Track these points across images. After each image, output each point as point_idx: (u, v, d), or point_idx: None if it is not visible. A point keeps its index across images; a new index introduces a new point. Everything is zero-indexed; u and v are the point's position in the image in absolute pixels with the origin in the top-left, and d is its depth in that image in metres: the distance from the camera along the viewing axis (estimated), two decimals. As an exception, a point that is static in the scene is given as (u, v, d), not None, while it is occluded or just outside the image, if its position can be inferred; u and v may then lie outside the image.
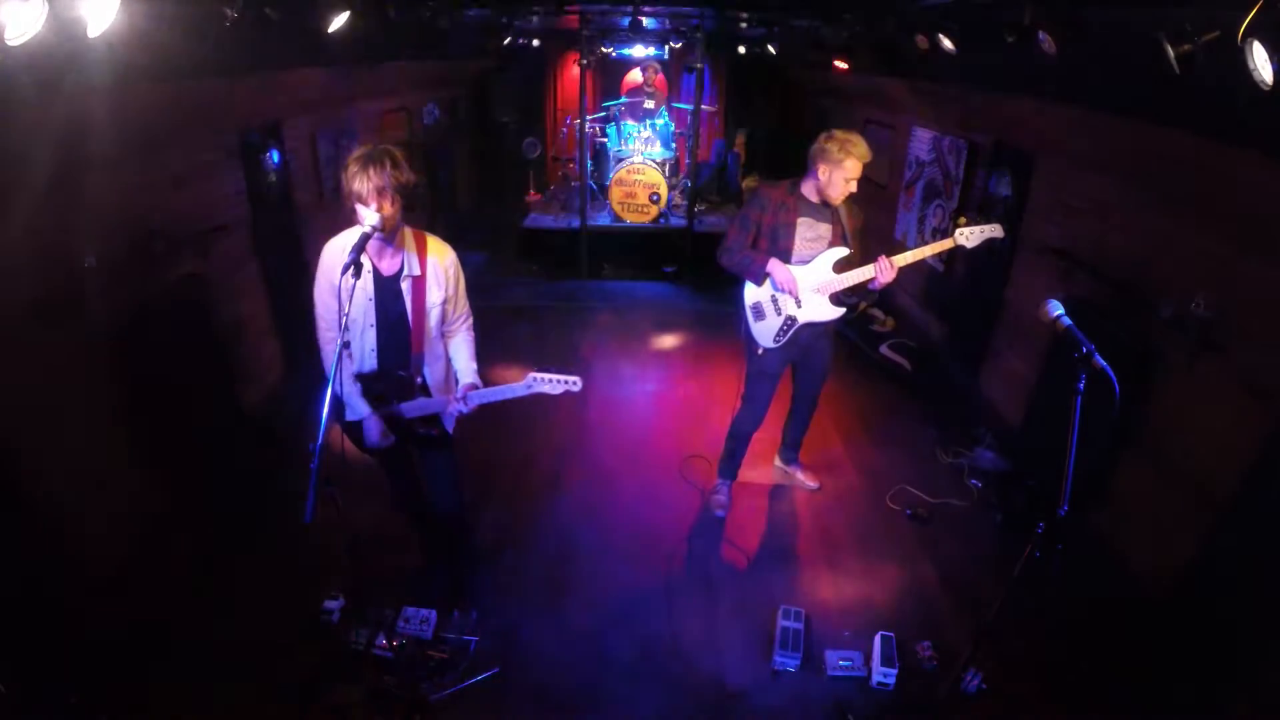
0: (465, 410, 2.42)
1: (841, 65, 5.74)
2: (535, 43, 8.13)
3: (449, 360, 2.56)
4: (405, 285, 2.32)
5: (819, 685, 2.75)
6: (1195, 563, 2.77)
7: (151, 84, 2.92)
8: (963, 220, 3.04)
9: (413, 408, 2.47)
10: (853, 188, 3.02)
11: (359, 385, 2.43)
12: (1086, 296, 3.52)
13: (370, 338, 2.37)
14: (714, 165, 9.12)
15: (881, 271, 2.97)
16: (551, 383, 2.31)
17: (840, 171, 2.95)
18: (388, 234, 2.18)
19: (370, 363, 2.41)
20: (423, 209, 2.52)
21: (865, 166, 2.96)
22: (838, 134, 2.96)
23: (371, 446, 2.49)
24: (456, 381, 2.53)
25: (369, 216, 2.08)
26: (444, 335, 2.51)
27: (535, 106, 9.72)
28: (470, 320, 2.57)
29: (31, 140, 2.49)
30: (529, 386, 2.33)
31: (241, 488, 3.71)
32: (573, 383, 2.31)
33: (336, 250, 2.26)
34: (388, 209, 2.11)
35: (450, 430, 2.62)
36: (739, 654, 2.89)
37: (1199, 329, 2.80)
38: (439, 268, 2.35)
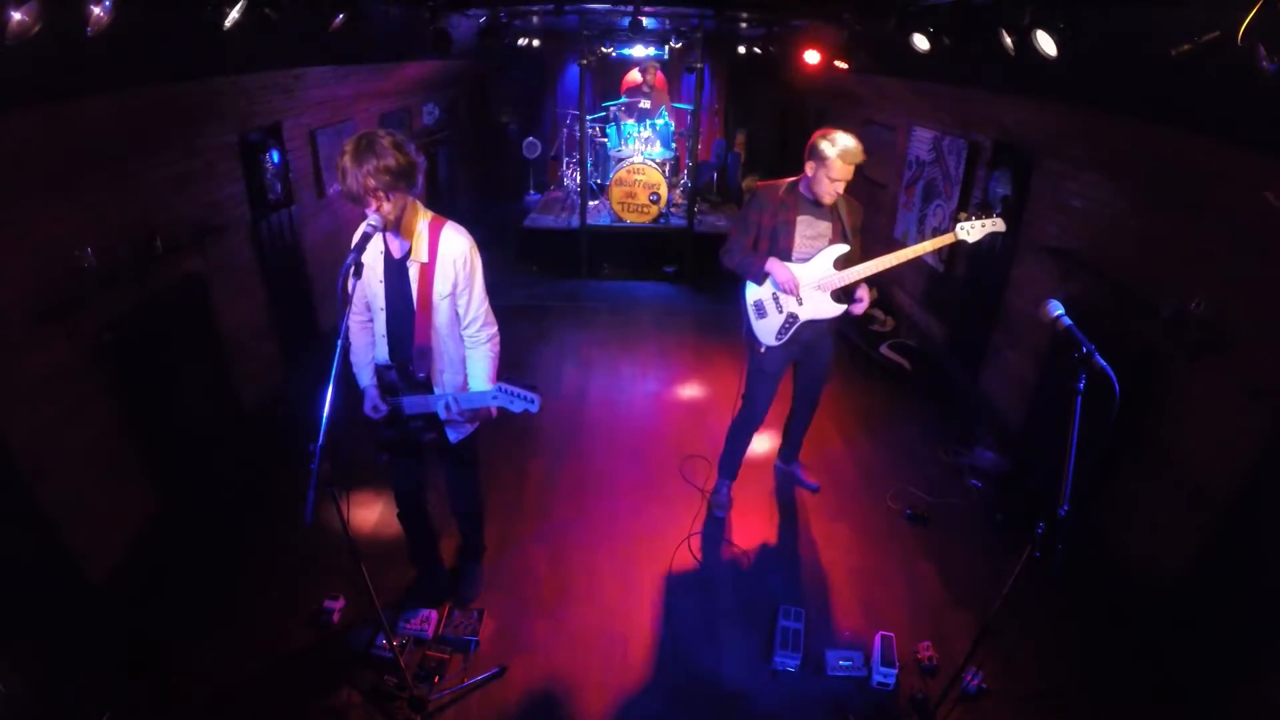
0: (450, 413, 2.40)
1: (841, 65, 5.73)
2: (535, 43, 8.13)
3: (466, 376, 2.51)
4: (412, 270, 2.30)
5: (819, 685, 2.76)
6: (1195, 562, 2.77)
7: (151, 84, 2.92)
8: (963, 215, 3.02)
9: (413, 403, 2.47)
10: (839, 189, 2.93)
11: (372, 366, 2.46)
12: (1086, 296, 3.52)
13: (382, 321, 2.40)
14: (714, 165, 9.12)
15: (855, 305, 3.12)
16: (512, 399, 2.26)
17: (825, 169, 2.87)
18: (391, 226, 2.19)
19: (382, 349, 2.44)
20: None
21: (863, 167, 2.92)
22: (831, 131, 2.87)
23: (369, 414, 2.49)
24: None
25: (370, 216, 2.09)
26: (465, 343, 2.47)
27: (535, 106, 9.72)
28: (492, 332, 2.48)
29: (31, 141, 2.49)
30: (494, 397, 2.30)
31: (241, 488, 3.72)
32: (530, 400, 2.25)
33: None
34: (385, 206, 2.11)
35: (452, 439, 2.60)
36: (739, 654, 2.89)
37: (1199, 329, 2.80)
38: (447, 258, 2.30)
